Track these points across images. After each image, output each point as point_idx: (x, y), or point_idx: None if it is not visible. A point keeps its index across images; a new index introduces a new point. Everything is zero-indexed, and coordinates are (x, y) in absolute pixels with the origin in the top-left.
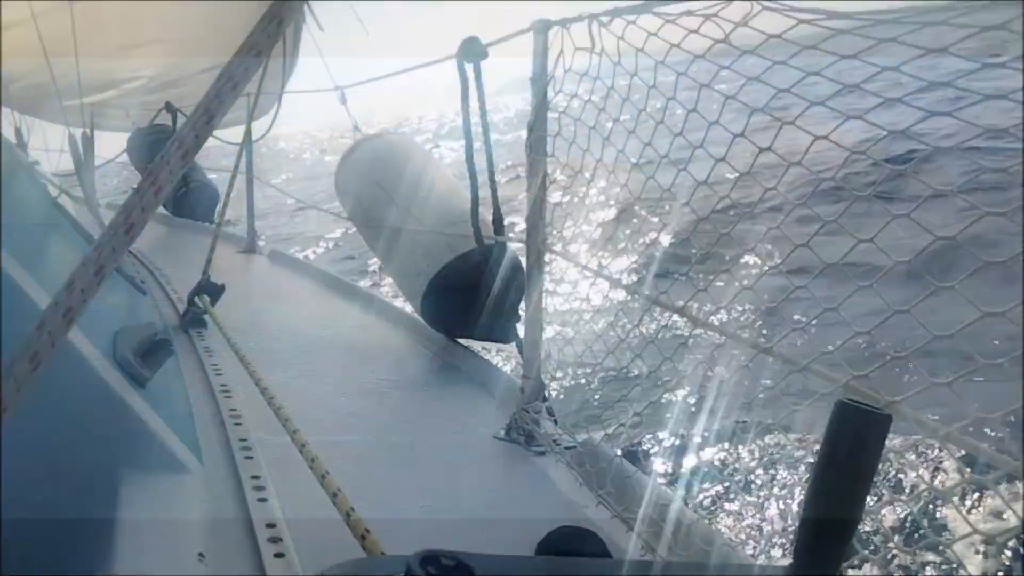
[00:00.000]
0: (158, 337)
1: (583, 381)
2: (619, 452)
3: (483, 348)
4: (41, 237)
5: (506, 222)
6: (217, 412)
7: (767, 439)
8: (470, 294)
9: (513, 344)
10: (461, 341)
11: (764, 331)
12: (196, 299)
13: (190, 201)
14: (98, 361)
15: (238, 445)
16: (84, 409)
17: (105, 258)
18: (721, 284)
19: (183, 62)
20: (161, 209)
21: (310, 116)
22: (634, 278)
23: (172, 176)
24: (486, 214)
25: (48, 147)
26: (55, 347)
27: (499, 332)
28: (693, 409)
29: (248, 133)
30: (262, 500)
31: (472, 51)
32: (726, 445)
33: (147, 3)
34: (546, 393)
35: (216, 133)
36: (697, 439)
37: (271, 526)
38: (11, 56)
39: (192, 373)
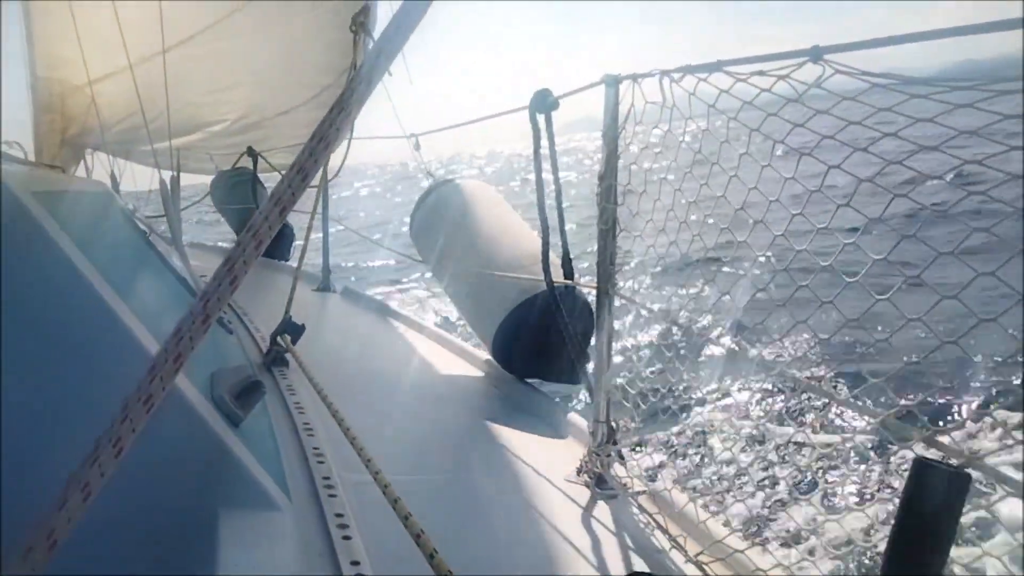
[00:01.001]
0: (252, 379)
1: (654, 424)
2: (692, 496)
3: (553, 389)
4: (139, 277)
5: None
6: (301, 450)
7: (845, 490)
8: (540, 336)
9: (582, 385)
10: (531, 381)
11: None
12: (278, 338)
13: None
14: (199, 402)
15: (322, 483)
16: (185, 447)
17: (211, 308)
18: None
19: (262, 105)
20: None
21: (376, 147)
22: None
23: (271, 230)
24: (556, 258)
25: (137, 188)
26: (165, 391)
27: (568, 374)
28: (768, 456)
29: (324, 176)
30: (347, 538)
31: (544, 103)
32: (802, 493)
33: (231, 51)
34: (616, 436)
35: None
36: (770, 484)
37: (355, 563)
38: (107, 103)
39: (276, 411)
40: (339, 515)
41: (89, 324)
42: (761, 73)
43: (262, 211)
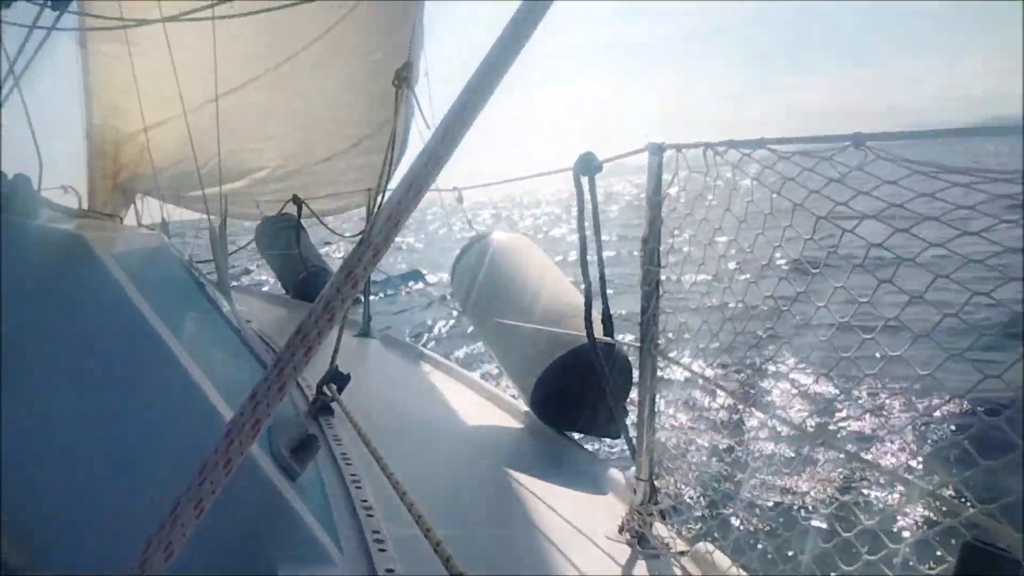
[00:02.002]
0: (307, 434)
1: (696, 485)
2: (735, 558)
3: (593, 441)
4: (203, 333)
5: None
6: (350, 502)
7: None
8: (580, 389)
9: (622, 439)
10: (570, 434)
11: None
12: (324, 387)
13: (308, 285)
14: (262, 458)
15: (372, 537)
16: (248, 502)
17: (286, 376)
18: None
19: (304, 153)
20: (280, 291)
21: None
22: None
23: (343, 303)
24: (596, 313)
25: (184, 233)
26: (243, 455)
27: (608, 428)
28: (815, 523)
29: (369, 225)
30: None
31: (588, 166)
32: (848, 564)
33: (278, 101)
34: (659, 495)
35: (331, 220)
36: (817, 551)
37: None
38: (158, 149)
39: (324, 462)
40: (390, 570)
41: (165, 385)
42: (805, 153)
43: (334, 282)
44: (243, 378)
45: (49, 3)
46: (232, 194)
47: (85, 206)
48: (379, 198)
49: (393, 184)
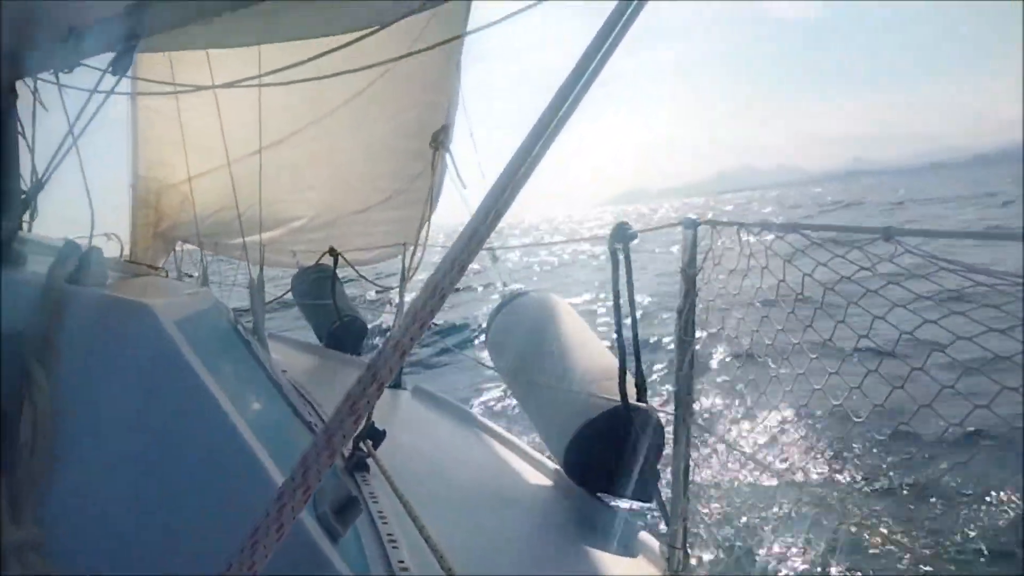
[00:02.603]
0: (349, 495)
1: (729, 552)
2: None
3: (625, 504)
4: (251, 392)
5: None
6: (388, 564)
7: None
8: (613, 452)
9: (654, 502)
10: (601, 496)
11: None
12: (360, 443)
13: (341, 334)
14: (308, 521)
15: None
16: (293, 564)
17: (335, 443)
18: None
19: (339, 204)
20: (314, 339)
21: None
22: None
23: (391, 372)
24: (629, 376)
25: (222, 284)
26: (295, 520)
27: (640, 491)
28: None
29: (403, 279)
30: None
31: (622, 235)
32: None
33: (316, 153)
34: (691, 562)
35: (368, 271)
36: None
37: None
38: (199, 199)
39: (361, 520)
40: None
41: (221, 451)
42: (835, 241)
43: (382, 352)
44: (287, 436)
45: (110, 69)
46: (269, 243)
47: (127, 254)
48: (414, 258)
49: (424, 236)
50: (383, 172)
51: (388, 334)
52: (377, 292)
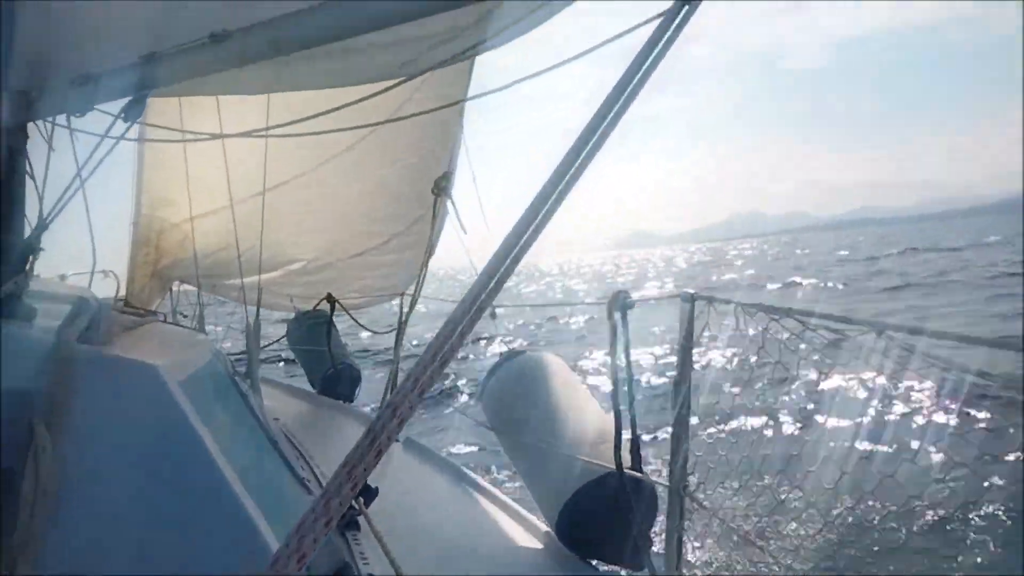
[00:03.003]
0: (342, 562)
1: None
2: None
3: (616, 571)
4: (243, 443)
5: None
6: None
7: None
8: (606, 519)
9: (645, 570)
10: (594, 562)
11: None
12: (353, 501)
13: (335, 381)
14: None
15: None
16: None
17: (332, 510)
18: None
19: (337, 248)
20: (307, 386)
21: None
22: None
23: (388, 439)
24: (626, 444)
25: (217, 327)
26: None
27: (632, 558)
28: None
29: (399, 331)
30: None
31: (621, 303)
32: None
33: (318, 196)
34: None
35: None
36: None
37: None
38: (199, 238)
39: None
40: None
41: (218, 511)
42: (828, 328)
43: (381, 418)
44: (281, 494)
45: (122, 115)
46: (267, 284)
47: (123, 292)
48: (411, 306)
49: (425, 286)
50: (382, 216)
51: (385, 400)
52: (372, 335)
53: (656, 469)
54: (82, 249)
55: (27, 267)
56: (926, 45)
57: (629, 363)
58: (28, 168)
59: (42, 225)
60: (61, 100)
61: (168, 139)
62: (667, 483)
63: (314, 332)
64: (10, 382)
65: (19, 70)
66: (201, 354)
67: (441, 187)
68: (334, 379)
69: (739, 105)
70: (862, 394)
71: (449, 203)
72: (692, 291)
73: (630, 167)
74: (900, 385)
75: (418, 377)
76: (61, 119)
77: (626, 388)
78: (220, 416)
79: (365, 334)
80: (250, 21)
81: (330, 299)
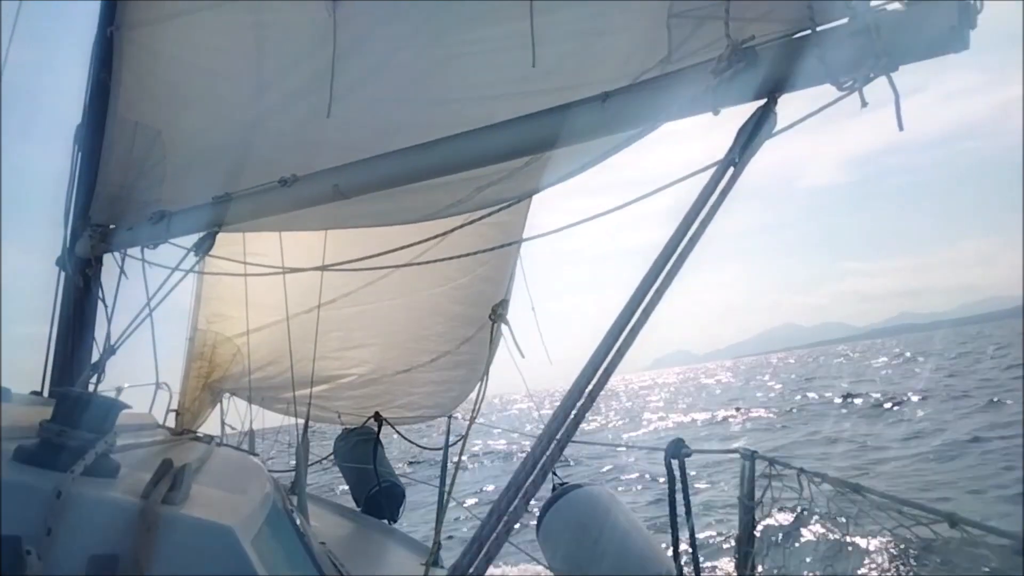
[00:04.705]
0: None
1: None
2: None
3: None
4: (289, 567)
5: None
6: None
7: None
8: None
9: None
10: None
11: None
12: None
13: (380, 499)
14: None
15: None
16: None
17: None
18: None
19: (386, 364)
20: (351, 503)
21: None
22: None
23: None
24: None
25: (264, 438)
26: None
27: None
28: None
29: (445, 453)
30: None
31: (678, 451)
32: None
33: (367, 313)
34: None
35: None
36: None
37: None
38: (253, 352)
39: None
40: None
41: None
42: (898, 523)
43: (465, 553)
44: None
45: (193, 249)
46: (315, 398)
47: (175, 405)
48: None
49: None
50: (431, 335)
51: (463, 554)
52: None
53: None
54: (138, 361)
55: (110, 426)
56: (942, 154)
57: (689, 509)
58: (101, 295)
59: (109, 350)
60: (137, 234)
61: (233, 272)
62: None
63: (360, 449)
64: (98, 547)
65: (101, 206)
66: (263, 495)
67: (498, 314)
68: (379, 497)
69: (763, 226)
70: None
71: (506, 328)
72: (753, 448)
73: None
74: None
75: (482, 539)
76: (135, 251)
77: (687, 533)
78: (281, 561)
79: (425, 440)
80: (315, 167)
81: (377, 417)
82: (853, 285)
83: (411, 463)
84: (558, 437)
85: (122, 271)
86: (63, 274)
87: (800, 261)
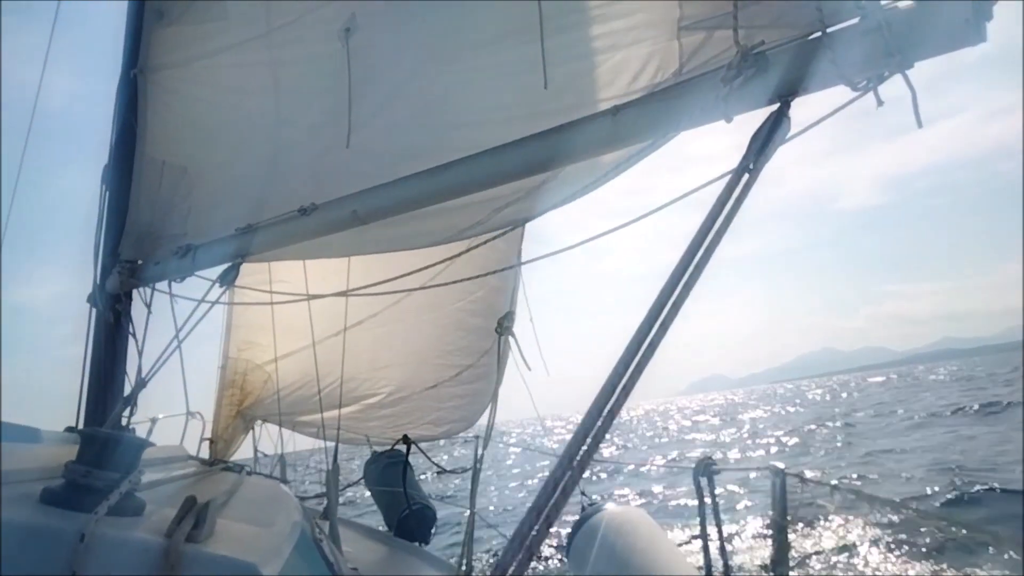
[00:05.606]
0: None
1: None
2: None
3: None
4: None
5: None
6: None
7: None
8: None
9: None
10: None
11: None
12: None
13: (410, 522)
14: None
15: None
16: None
17: None
18: None
19: (412, 382)
20: (382, 526)
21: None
22: None
23: None
24: None
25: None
26: None
27: None
28: None
29: (475, 477)
30: None
31: (706, 469)
32: None
33: (392, 333)
34: None
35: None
36: None
37: None
38: (282, 377)
39: None
40: None
41: None
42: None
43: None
44: None
45: (218, 281)
46: (344, 419)
47: (208, 434)
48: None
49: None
50: (453, 349)
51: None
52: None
53: None
54: (172, 391)
55: (135, 461)
56: (979, 175)
57: (720, 527)
58: (131, 329)
59: (141, 383)
60: (165, 268)
61: (259, 302)
62: None
63: (390, 472)
64: None
65: (130, 242)
66: (291, 525)
67: (504, 326)
68: (410, 520)
69: (795, 248)
70: None
71: (512, 340)
72: (781, 466)
73: (696, 311)
74: None
75: (503, 563)
76: (162, 285)
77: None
78: None
79: (446, 457)
80: (335, 195)
81: (406, 440)
82: (893, 308)
83: (438, 473)
84: (579, 456)
85: (148, 307)
86: (94, 310)
87: (836, 284)
